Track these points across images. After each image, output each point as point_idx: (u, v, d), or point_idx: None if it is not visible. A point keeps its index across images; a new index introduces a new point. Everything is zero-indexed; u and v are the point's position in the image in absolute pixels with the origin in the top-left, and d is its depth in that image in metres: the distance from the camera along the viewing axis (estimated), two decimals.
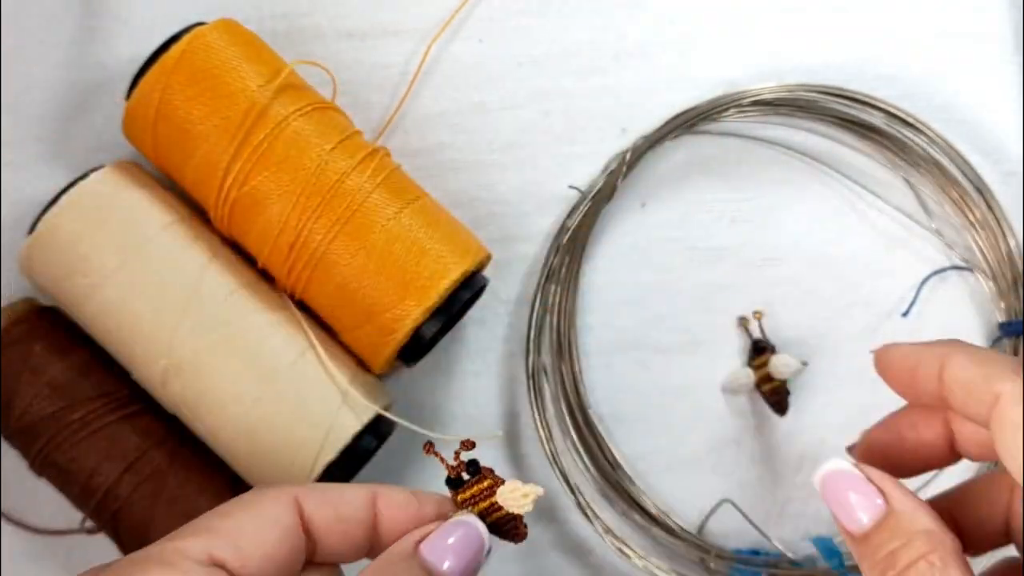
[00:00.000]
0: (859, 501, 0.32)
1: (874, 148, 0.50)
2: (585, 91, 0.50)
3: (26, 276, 0.44)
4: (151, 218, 0.43)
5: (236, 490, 0.43)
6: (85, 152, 0.48)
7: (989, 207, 0.49)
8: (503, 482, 0.34)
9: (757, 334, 0.48)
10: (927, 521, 0.31)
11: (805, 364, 0.46)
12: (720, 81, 0.50)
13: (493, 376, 0.48)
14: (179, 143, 0.42)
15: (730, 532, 0.48)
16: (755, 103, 0.49)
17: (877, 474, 0.32)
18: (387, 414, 0.43)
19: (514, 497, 0.34)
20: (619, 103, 0.49)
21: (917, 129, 0.49)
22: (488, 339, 0.48)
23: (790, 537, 0.48)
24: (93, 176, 0.43)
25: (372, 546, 0.33)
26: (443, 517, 0.33)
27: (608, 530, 0.46)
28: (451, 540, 0.32)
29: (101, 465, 0.42)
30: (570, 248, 0.48)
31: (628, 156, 0.48)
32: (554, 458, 0.46)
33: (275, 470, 0.42)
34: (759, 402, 0.48)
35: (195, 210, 0.45)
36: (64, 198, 0.42)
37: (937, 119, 0.49)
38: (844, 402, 0.48)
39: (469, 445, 0.35)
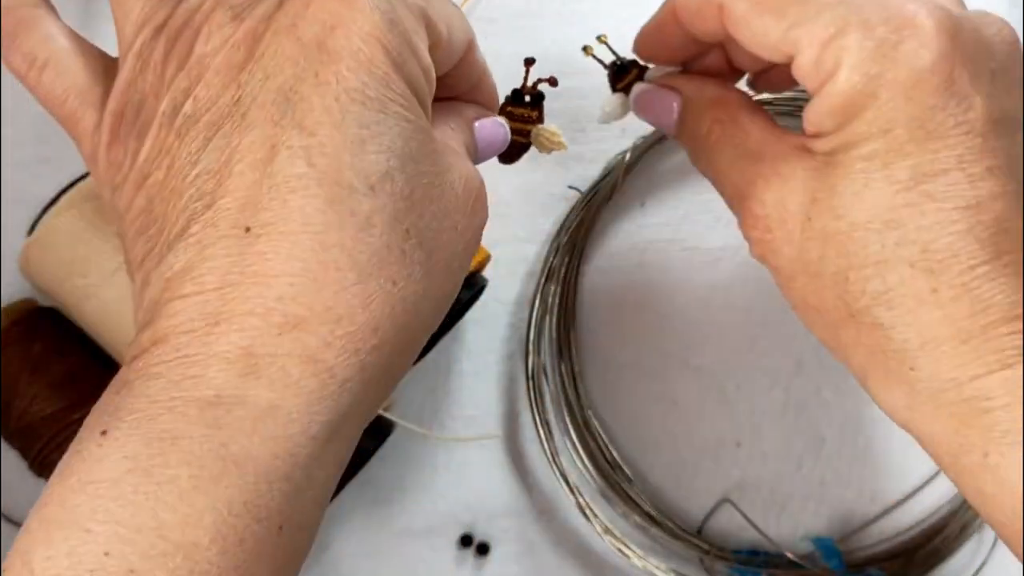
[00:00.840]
0: (660, 104, 0.38)
1: None
2: (585, 91, 0.50)
3: (26, 277, 0.44)
4: None
5: None
6: None
7: None
8: (543, 122, 0.42)
9: (610, 57, 0.44)
10: (711, 90, 0.36)
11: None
12: None
13: (493, 376, 0.48)
14: None
15: (730, 532, 0.48)
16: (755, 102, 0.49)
17: (667, 79, 0.38)
18: (386, 415, 0.43)
19: (547, 136, 0.42)
20: None
21: None
22: (488, 339, 0.48)
23: (790, 537, 0.48)
24: (92, 177, 0.43)
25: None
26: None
27: (607, 530, 0.46)
28: (492, 127, 0.38)
29: None
30: (570, 248, 0.48)
31: (628, 156, 0.48)
32: (554, 458, 0.46)
33: None
34: (758, 400, 0.48)
35: None
36: (63, 199, 0.42)
37: None
38: (843, 402, 0.48)
39: (553, 82, 0.42)
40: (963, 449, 0.30)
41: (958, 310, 0.30)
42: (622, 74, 0.43)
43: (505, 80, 0.50)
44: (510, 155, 0.44)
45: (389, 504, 0.47)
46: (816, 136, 0.32)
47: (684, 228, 0.50)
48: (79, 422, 0.41)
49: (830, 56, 0.31)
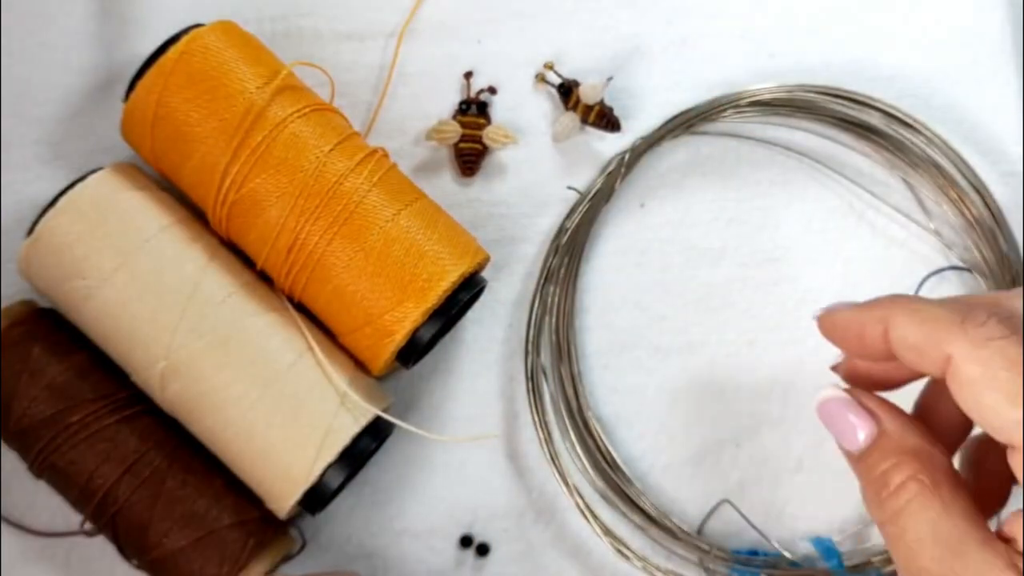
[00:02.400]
0: (854, 423, 0.33)
1: (872, 148, 0.50)
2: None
3: (25, 278, 0.44)
4: (149, 220, 0.43)
5: (235, 492, 0.43)
6: (84, 154, 0.48)
7: (987, 207, 0.49)
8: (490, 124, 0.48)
9: (557, 80, 0.49)
10: (915, 440, 0.32)
11: (610, 79, 0.48)
12: (718, 81, 0.50)
13: (492, 377, 0.48)
14: (177, 145, 0.42)
15: (729, 533, 0.48)
16: (753, 103, 0.49)
17: (867, 397, 0.34)
18: (386, 416, 0.43)
19: (496, 134, 0.47)
20: (617, 103, 0.49)
21: (915, 129, 0.49)
22: (487, 340, 0.48)
23: (789, 537, 0.48)
24: (91, 178, 0.43)
25: None
26: None
27: (607, 531, 0.46)
28: None
29: (100, 467, 0.42)
30: (569, 249, 0.48)
31: (627, 157, 0.48)
32: (553, 459, 0.46)
33: (274, 472, 0.42)
34: (758, 401, 0.48)
35: (193, 212, 0.45)
36: (62, 200, 0.42)
37: (935, 119, 0.49)
38: None
39: (492, 91, 0.48)
40: None
41: None
42: (567, 95, 0.48)
43: (503, 80, 0.50)
44: (471, 166, 0.48)
45: (389, 505, 0.47)
46: None
47: (683, 228, 0.49)
48: (78, 424, 0.42)
49: None
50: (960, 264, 0.49)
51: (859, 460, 0.33)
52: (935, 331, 0.31)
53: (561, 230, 0.48)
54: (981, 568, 0.29)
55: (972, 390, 0.30)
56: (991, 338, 0.30)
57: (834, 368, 0.37)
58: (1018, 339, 0.30)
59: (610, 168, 0.49)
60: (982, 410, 0.30)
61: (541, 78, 0.49)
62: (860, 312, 0.33)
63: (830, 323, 0.35)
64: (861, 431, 0.33)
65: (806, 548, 0.47)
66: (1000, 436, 0.30)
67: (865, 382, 0.36)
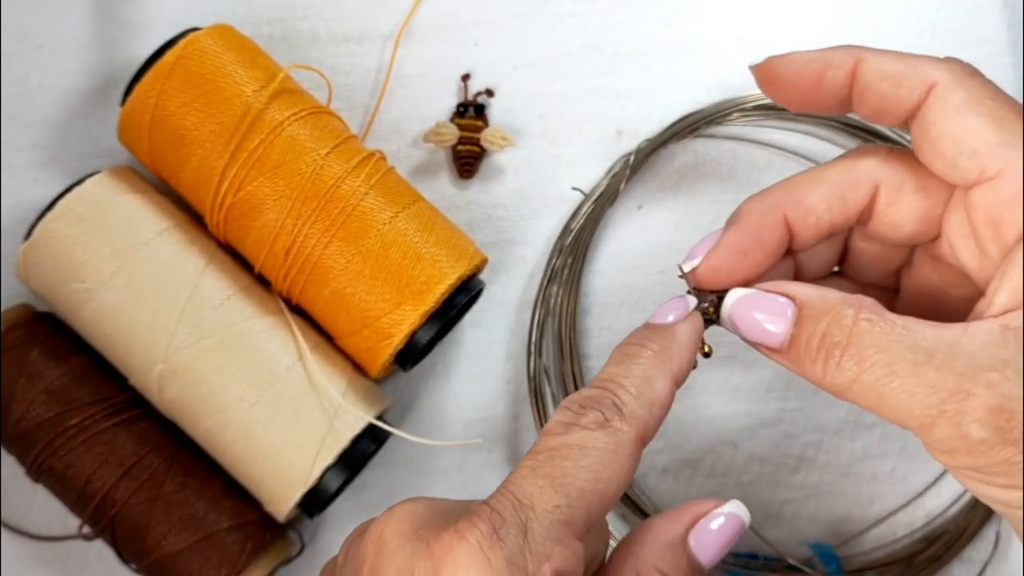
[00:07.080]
0: (769, 314, 0.31)
1: None
2: (581, 94, 0.50)
3: (22, 282, 0.44)
4: (147, 223, 0.43)
5: (234, 494, 0.43)
6: (81, 157, 0.48)
7: None
8: (488, 127, 0.47)
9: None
10: (835, 293, 0.30)
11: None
12: (717, 83, 0.49)
13: (491, 379, 0.48)
14: (174, 148, 0.42)
15: None
16: (759, 107, 0.48)
17: (770, 283, 0.32)
18: (379, 423, 0.43)
19: (494, 136, 0.47)
20: (615, 106, 0.49)
21: None
22: (486, 342, 0.48)
23: (787, 539, 0.47)
24: (89, 181, 0.43)
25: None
26: None
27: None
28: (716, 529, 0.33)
29: (98, 471, 0.42)
30: (572, 250, 0.48)
31: (632, 159, 0.48)
32: None
33: (273, 474, 0.42)
34: (755, 402, 0.48)
35: (191, 215, 0.45)
36: (60, 203, 0.42)
37: None
38: (841, 403, 0.48)
39: (490, 93, 0.48)
40: None
41: None
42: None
43: (500, 83, 0.50)
44: (469, 168, 0.48)
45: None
46: (1010, 311, 0.29)
47: (683, 231, 0.49)
48: (76, 427, 0.42)
49: None
50: None
51: (791, 345, 0.31)
52: (916, 61, 0.31)
53: (565, 231, 0.48)
54: (989, 347, 0.28)
55: (956, 114, 0.30)
56: (970, 73, 0.31)
57: (683, 276, 0.34)
58: (991, 81, 0.31)
59: (615, 170, 0.48)
60: (964, 134, 0.30)
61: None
62: (823, 52, 0.32)
63: (777, 67, 0.33)
64: (781, 316, 0.31)
65: (804, 552, 0.47)
66: (972, 162, 0.30)
67: (712, 284, 0.33)
